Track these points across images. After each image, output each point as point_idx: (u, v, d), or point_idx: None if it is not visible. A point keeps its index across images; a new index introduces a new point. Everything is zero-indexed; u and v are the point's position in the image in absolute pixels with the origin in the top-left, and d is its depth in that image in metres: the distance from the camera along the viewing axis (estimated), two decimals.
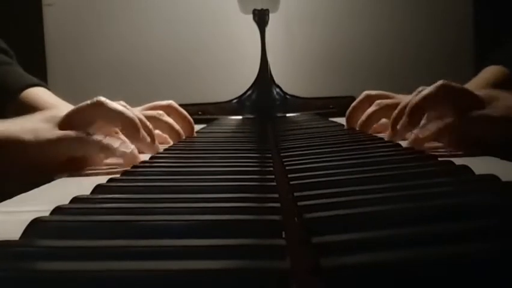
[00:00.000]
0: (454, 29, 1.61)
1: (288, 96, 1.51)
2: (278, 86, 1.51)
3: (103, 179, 0.52)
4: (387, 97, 0.92)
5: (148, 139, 0.72)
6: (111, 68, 1.63)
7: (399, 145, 0.66)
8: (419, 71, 1.57)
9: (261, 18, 1.47)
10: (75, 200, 0.42)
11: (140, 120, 0.72)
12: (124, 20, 1.64)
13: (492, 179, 0.42)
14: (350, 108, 0.96)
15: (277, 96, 1.50)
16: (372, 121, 0.88)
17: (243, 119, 1.43)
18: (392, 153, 0.61)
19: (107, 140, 0.67)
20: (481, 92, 0.69)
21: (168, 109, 0.94)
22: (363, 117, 0.88)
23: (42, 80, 1.12)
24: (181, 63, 1.62)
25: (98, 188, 0.48)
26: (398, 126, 0.71)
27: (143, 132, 0.71)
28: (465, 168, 0.48)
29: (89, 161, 0.70)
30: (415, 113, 0.69)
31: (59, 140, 0.66)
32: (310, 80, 1.61)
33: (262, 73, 1.48)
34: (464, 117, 0.66)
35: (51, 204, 0.39)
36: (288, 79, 1.55)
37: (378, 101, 0.88)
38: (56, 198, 0.46)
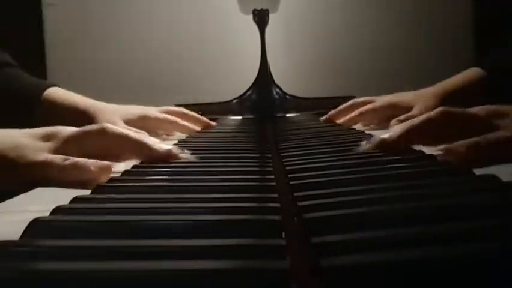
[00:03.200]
0: (454, 29, 1.60)
1: (288, 96, 1.51)
2: (278, 86, 1.51)
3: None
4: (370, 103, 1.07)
5: (163, 147, 0.66)
6: (111, 68, 1.63)
7: None
8: (418, 71, 1.57)
9: (261, 18, 1.47)
10: (75, 200, 0.42)
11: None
12: (124, 21, 1.64)
13: (492, 179, 0.42)
14: (337, 109, 1.14)
15: (277, 96, 1.50)
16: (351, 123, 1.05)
17: (243, 119, 1.43)
18: (392, 153, 0.61)
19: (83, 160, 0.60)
20: (481, 111, 0.65)
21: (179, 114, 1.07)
22: (345, 118, 1.07)
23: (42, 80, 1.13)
24: (181, 63, 1.62)
25: (98, 188, 0.48)
26: (389, 136, 0.65)
27: (155, 145, 0.65)
28: (465, 168, 0.48)
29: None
30: (410, 137, 0.64)
31: (42, 164, 0.60)
32: (310, 80, 1.61)
33: (262, 73, 1.48)
34: (444, 110, 0.64)
35: (51, 204, 0.39)
36: (288, 79, 1.54)
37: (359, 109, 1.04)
38: (56, 198, 0.46)
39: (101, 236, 0.33)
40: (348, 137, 0.82)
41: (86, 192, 0.47)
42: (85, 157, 0.61)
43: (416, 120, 0.65)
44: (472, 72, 1.07)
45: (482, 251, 0.25)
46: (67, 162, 0.59)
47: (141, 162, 0.64)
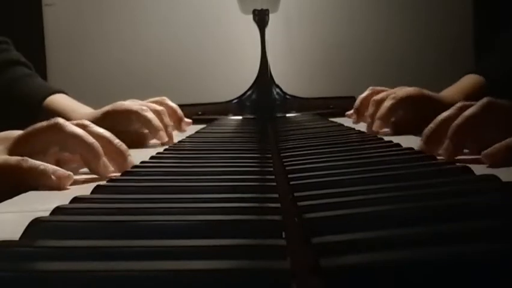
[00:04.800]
0: (454, 29, 1.61)
1: (288, 96, 1.51)
2: (278, 86, 1.51)
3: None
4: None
5: (110, 169, 0.62)
6: (111, 68, 1.63)
7: (399, 145, 0.66)
8: (419, 71, 1.57)
9: (261, 18, 1.47)
10: (75, 200, 0.42)
11: (108, 139, 0.64)
12: (124, 21, 1.64)
13: (492, 179, 0.42)
14: (357, 104, 1.06)
15: (277, 97, 1.50)
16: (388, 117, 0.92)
17: (243, 119, 1.43)
18: (392, 153, 0.61)
19: (44, 166, 0.57)
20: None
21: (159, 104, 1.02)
22: (380, 113, 0.92)
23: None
24: (181, 63, 1.62)
25: (98, 188, 0.48)
26: (441, 151, 0.62)
27: (104, 160, 0.62)
28: (465, 168, 0.48)
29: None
30: (459, 137, 0.61)
31: (11, 167, 0.57)
32: (310, 80, 1.61)
33: (262, 73, 1.48)
34: (489, 101, 0.61)
35: (51, 204, 0.39)
36: (288, 79, 1.54)
37: (392, 95, 0.94)
38: (56, 198, 0.46)
39: (101, 236, 0.33)
40: (349, 137, 0.82)
41: (86, 192, 0.47)
42: (37, 156, 0.59)
43: (460, 119, 0.62)
44: (469, 80, 1.07)
45: (482, 251, 0.25)
46: (23, 163, 0.56)
47: (141, 162, 0.64)
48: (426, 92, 0.93)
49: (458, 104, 0.66)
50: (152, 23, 1.63)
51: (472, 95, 0.98)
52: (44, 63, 1.61)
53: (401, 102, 0.91)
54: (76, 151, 0.63)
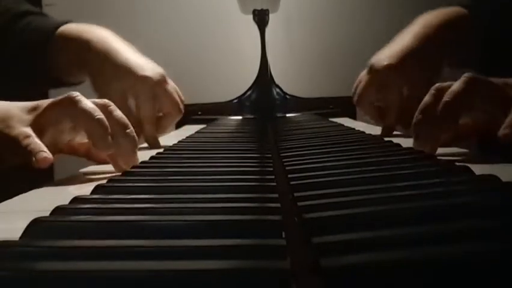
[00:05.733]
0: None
1: (288, 96, 1.51)
2: (278, 86, 1.51)
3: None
4: None
5: (112, 148, 0.63)
6: None
7: (399, 145, 0.66)
8: None
9: (261, 18, 1.47)
10: (75, 200, 0.42)
11: (122, 124, 0.65)
12: (124, 21, 1.64)
13: (492, 179, 0.42)
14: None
15: (277, 96, 1.50)
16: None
17: (243, 119, 1.43)
18: (392, 153, 0.61)
19: (32, 146, 0.60)
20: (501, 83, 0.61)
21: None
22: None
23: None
24: (181, 63, 1.62)
25: (98, 188, 0.48)
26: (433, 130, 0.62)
27: (109, 140, 0.62)
28: (465, 168, 0.48)
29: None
30: (451, 113, 0.60)
31: (14, 139, 0.61)
32: (310, 80, 1.61)
33: (262, 73, 1.48)
34: (470, 78, 0.60)
35: (52, 204, 0.39)
36: (288, 79, 1.54)
37: None
38: (56, 198, 0.46)
39: (101, 236, 0.33)
40: (349, 137, 0.82)
41: (86, 192, 0.47)
42: (55, 130, 0.62)
43: (449, 95, 0.61)
44: (453, 10, 1.01)
45: (482, 251, 0.25)
46: (24, 141, 0.60)
47: (141, 162, 0.64)
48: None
49: (433, 88, 0.65)
50: (152, 23, 1.64)
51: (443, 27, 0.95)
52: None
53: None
54: (83, 127, 0.64)
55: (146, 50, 1.55)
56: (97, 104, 0.64)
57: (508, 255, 0.25)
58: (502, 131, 0.57)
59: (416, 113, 0.65)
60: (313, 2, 1.62)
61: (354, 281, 0.24)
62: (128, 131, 0.65)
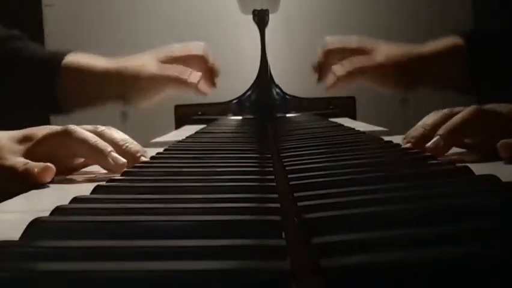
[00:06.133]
0: (454, 29, 1.60)
1: (288, 97, 1.51)
2: (278, 86, 1.51)
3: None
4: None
5: (121, 161, 0.64)
6: None
7: (399, 145, 0.66)
8: None
9: (261, 18, 1.47)
10: (75, 200, 0.42)
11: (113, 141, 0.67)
12: (124, 21, 1.64)
13: (492, 179, 0.42)
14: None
15: (277, 97, 1.50)
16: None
17: (243, 119, 1.43)
18: (392, 153, 0.61)
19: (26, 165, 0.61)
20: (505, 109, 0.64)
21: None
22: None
23: None
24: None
25: (98, 188, 0.48)
26: (430, 145, 0.64)
27: (112, 155, 0.64)
28: (465, 168, 0.48)
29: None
30: (452, 135, 0.63)
31: (9, 170, 0.61)
32: (311, 80, 1.61)
33: (262, 73, 1.48)
34: (476, 109, 0.63)
35: (51, 204, 0.39)
36: (288, 79, 1.54)
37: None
38: (56, 198, 0.46)
39: (101, 236, 0.33)
40: (348, 137, 0.82)
41: (86, 192, 0.47)
42: (53, 159, 0.62)
43: (451, 124, 0.64)
44: (450, 40, 1.07)
45: (482, 252, 0.25)
46: (20, 167, 0.60)
47: (141, 162, 0.64)
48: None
49: (446, 111, 0.68)
50: (152, 23, 1.64)
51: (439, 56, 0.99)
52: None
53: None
54: (84, 155, 0.67)
55: (146, 50, 1.55)
56: (57, 132, 0.66)
57: (508, 255, 0.25)
58: (503, 141, 0.59)
59: (421, 127, 0.68)
60: (313, 2, 1.62)
61: (354, 281, 0.24)
62: (124, 147, 0.67)
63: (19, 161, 0.61)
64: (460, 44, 1.04)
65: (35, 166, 0.60)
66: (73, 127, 0.65)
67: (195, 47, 1.12)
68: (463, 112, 0.65)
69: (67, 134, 0.65)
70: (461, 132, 0.64)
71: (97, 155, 0.64)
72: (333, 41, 1.09)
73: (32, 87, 1.06)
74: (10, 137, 0.65)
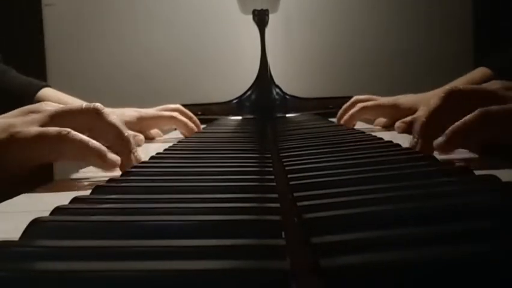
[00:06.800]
0: (454, 29, 1.61)
1: (287, 97, 1.51)
2: (278, 86, 1.51)
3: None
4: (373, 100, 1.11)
5: (117, 162, 0.61)
6: (111, 69, 1.63)
7: (399, 145, 0.66)
8: (418, 71, 1.57)
9: (261, 18, 1.47)
10: (75, 200, 0.42)
11: (117, 128, 0.63)
12: (124, 21, 1.64)
13: (492, 179, 0.42)
14: (341, 110, 1.14)
15: (277, 97, 1.50)
16: (353, 119, 1.10)
17: (242, 119, 1.43)
18: (392, 153, 0.61)
19: (96, 144, 0.57)
20: (497, 86, 0.62)
21: (176, 111, 1.09)
22: (346, 116, 1.10)
23: (42, 80, 1.14)
24: (181, 63, 1.62)
25: (98, 189, 0.48)
26: (417, 149, 0.63)
27: (109, 155, 0.60)
28: (465, 168, 0.48)
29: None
30: (427, 131, 0.62)
31: (38, 138, 0.57)
32: (310, 80, 1.61)
33: (262, 73, 1.48)
34: (483, 113, 0.59)
35: (51, 205, 0.39)
36: (288, 79, 1.55)
37: (359, 104, 1.08)
38: (56, 198, 0.46)
39: (101, 236, 0.33)
40: (348, 137, 0.82)
41: (86, 192, 0.47)
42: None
43: (458, 125, 0.60)
44: (479, 72, 1.08)
45: (482, 251, 0.25)
46: (64, 132, 0.56)
47: (141, 162, 0.64)
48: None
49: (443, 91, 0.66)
50: (152, 23, 1.63)
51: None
52: (44, 63, 1.61)
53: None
54: (109, 141, 0.62)
55: (146, 50, 1.55)
56: (88, 109, 0.62)
57: (508, 255, 0.25)
58: (437, 141, 0.58)
59: (423, 117, 0.66)
60: (313, 2, 1.62)
61: (354, 281, 0.24)
62: (124, 135, 0.64)
63: (51, 128, 0.56)
64: (490, 75, 1.05)
65: (105, 151, 0.56)
66: (101, 107, 0.61)
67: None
68: (435, 97, 0.63)
69: (97, 113, 0.61)
70: (437, 119, 0.62)
71: (122, 148, 0.61)
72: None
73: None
74: (13, 114, 0.61)
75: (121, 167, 0.61)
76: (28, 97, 1.07)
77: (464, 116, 0.60)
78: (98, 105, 0.62)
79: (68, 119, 0.60)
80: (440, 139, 0.59)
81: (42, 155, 0.58)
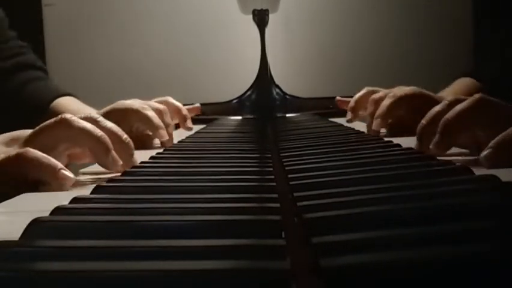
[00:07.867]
0: (454, 29, 1.61)
1: (287, 97, 1.51)
2: (278, 86, 1.51)
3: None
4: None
5: (120, 162, 0.62)
6: (111, 69, 1.63)
7: (399, 145, 0.66)
8: (418, 71, 1.57)
9: (261, 18, 1.47)
10: (75, 200, 0.42)
11: (116, 134, 0.64)
12: (124, 21, 1.64)
13: (492, 179, 0.42)
14: (352, 101, 1.07)
15: (277, 97, 1.50)
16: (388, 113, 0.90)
17: (243, 119, 1.43)
18: (392, 153, 0.61)
19: (50, 161, 0.57)
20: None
21: (164, 104, 1.02)
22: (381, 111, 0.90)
23: None
24: (181, 63, 1.62)
25: (98, 189, 0.48)
26: (431, 146, 0.62)
27: (113, 153, 0.61)
28: (465, 168, 0.48)
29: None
30: (449, 131, 0.61)
31: (11, 159, 0.57)
32: (310, 80, 1.61)
33: (262, 73, 1.48)
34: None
35: (51, 205, 0.39)
36: (288, 79, 1.54)
37: (391, 94, 0.92)
38: (56, 198, 0.46)
39: (101, 236, 0.33)
40: (349, 137, 0.82)
41: (86, 192, 0.47)
42: (49, 154, 0.57)
43: (451, 113, 0.61)
44: (463, 82, 1.07)
45: (482, 251, 0.25)
46: (27, 153, 0.56)
47: (141, 162, 0.64)
48: (425, 91, 0.92)
49: (449, 98, 0.66)
50: (152, 23, 1.63)
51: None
52: (44, 63, 1.61)
53: (400, 101, 0.89)
54: (85, 145, 0.62)
55: (146, 50, 1.55)
56: (86, 120, 0.62)
57: (508, 255, 0.25)
58: (485, 153, 0.56)
59: (423, 120, 0.66)
60: (313, 2, 1.62)
61: (354, 281, 0.24)
62: (123, 138, 0.64)
63: (20, 150, 0.56)
64: (475, 85, 1.05)
65: (59, 167, 0.55)
66: (68, 116, 0.61)
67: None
68: (465, 102, 0.62)
69: (65, 123, 0.61)
70: (462, 123, 0.61)
71: (98, 149, 0.61)
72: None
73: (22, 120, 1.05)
74: None
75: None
76: (42, 106, 1.08)
77: (488, 126, 0.59)
78: (65, 115, 0.62)
79: (41, 137, 0.60)
80: (489, 151, 0.56)
81: (19, 174, 0.57)
